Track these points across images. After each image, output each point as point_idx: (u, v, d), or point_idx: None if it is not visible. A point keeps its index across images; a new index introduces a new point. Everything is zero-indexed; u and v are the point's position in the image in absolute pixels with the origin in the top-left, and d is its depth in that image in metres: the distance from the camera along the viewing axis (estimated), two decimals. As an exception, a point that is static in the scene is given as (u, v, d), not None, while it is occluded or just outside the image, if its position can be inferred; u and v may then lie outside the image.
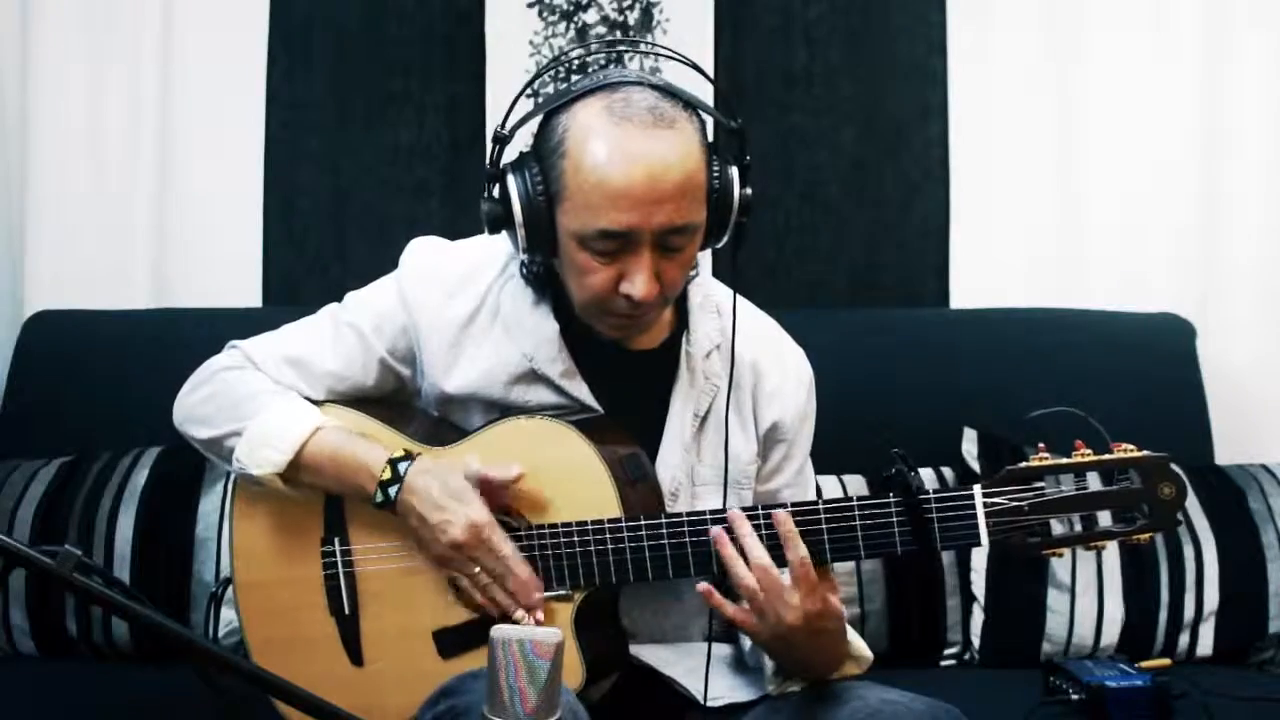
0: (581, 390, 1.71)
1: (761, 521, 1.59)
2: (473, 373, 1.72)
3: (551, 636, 1.28)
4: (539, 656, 1.27)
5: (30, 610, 2.24)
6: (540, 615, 1.64)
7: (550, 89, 2.57)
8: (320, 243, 2.76)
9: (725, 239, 1.64)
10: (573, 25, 2.72)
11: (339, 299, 1.82)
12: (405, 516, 1.66)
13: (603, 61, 2.61)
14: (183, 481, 2.31)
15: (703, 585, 1.58)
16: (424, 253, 1.79)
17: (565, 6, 2.72)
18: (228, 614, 2.11)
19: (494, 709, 1.27)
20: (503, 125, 1.62)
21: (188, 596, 2.25)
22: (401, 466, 1.65)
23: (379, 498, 1.65)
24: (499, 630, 1.29)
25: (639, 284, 1.57)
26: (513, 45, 2.71)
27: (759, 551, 1.56)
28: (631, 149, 1.53)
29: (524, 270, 1.71)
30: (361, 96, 2.75)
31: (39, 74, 2.67)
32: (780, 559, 1.57)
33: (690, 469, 1.73)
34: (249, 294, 2.72)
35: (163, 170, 2.70)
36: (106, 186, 2.69)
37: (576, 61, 2.52)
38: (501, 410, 1.72)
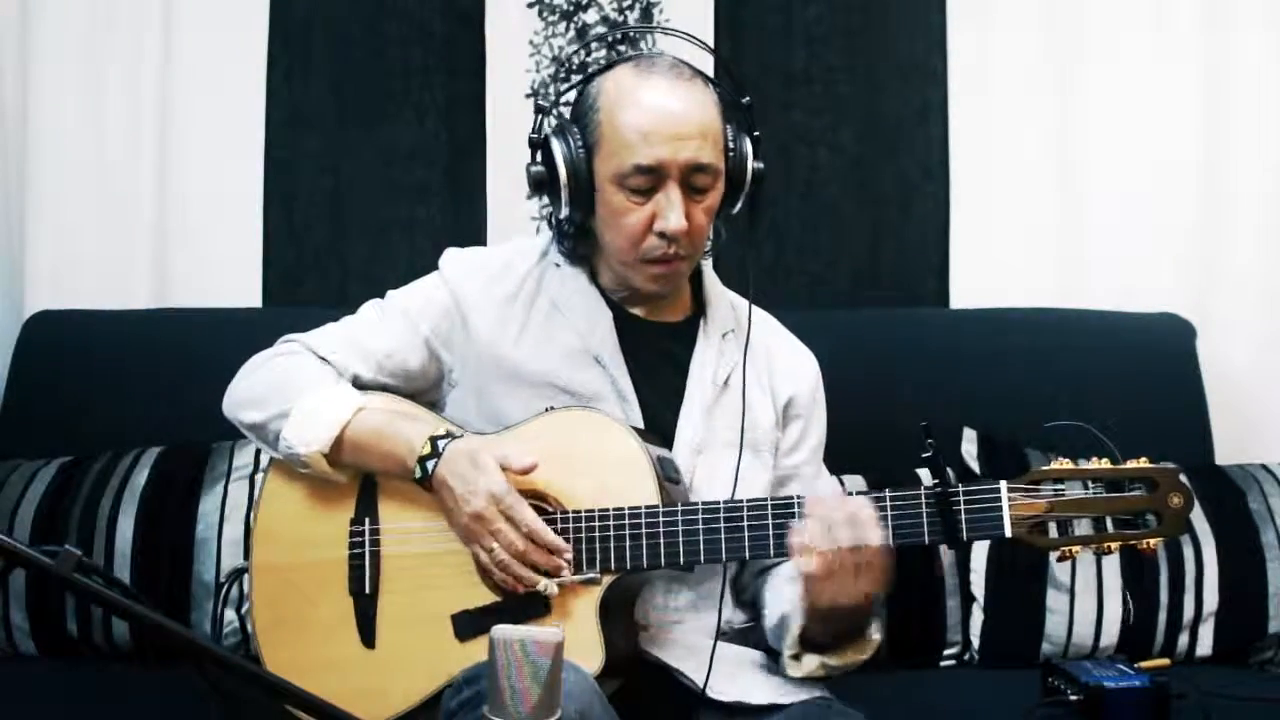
0: (621, 373, 1.80)
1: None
2: (522, 349, 1.81)
3: (552, 636, 1.29)
4: (540, 656, 1.27)
5: (30, 610, 2.24)
6: (567, 574, 1.66)
7: (551, 90, 2.59)
8: (320, 243, 2.75)
9: (740, 204, 1.81)
10: (573, 25, 2.71)
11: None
12: (439, 492, 1.70)
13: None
14: (183, 481, 2.30)
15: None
16: (462, 251, 1.92)
17: (565, 6, 2.72)
18: (228, 614, 2.11)
19: (495, 709, 1.27)
20: (545, 99, 1.68)
21: (188, 596, 2.25)
22: (441, 443, 1.70)
23: (418, 473, 1.70)
24: (499, 630, 1.29)
25: (672, 218, 1.74)
26: (513, 45, 2.70)
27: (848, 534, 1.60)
28: (657, 93, 1.76)
29: (562, 246, 1.85)
30: (361, 96, 2.75)
31: (39, 74, 2.67)
32: None
33: (713, 431, 1.82)
34: (249, 293, 2.71)
35: (163, 170, 2.69)
36: (106, 186, 2.69)
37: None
38: (545, 388, 1.79)
